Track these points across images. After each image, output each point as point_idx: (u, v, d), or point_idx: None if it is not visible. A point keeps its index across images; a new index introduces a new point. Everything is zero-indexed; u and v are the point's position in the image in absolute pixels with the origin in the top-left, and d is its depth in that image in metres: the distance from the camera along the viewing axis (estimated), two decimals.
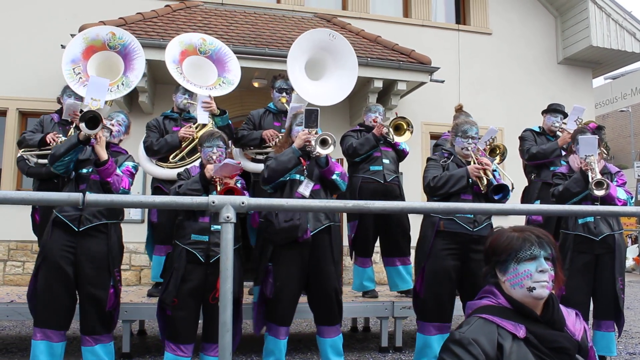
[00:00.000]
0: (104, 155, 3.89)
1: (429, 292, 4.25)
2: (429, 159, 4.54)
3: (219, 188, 3.91)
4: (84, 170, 4.02)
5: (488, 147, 5.73)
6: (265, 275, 4.22)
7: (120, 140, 4.45)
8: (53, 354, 3.88)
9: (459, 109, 5.91)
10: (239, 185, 4.05)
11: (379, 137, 5.33)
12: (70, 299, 3.96)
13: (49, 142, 5.02)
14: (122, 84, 4.97)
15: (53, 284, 3.87)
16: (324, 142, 4.04)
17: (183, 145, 5.13)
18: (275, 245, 4.17)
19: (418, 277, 4.34)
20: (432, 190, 4.24)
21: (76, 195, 2.21)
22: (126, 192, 4.07)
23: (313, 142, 4.05)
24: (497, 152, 5.82)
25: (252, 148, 5.45)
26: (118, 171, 4.00)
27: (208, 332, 4.09)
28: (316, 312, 4.34)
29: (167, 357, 4.02)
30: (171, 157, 5.17)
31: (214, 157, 4.10)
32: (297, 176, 4.22)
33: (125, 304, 4.68)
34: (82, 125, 3.70)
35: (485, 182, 4.12)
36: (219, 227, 3.89)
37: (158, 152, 5.15)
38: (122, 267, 8.76)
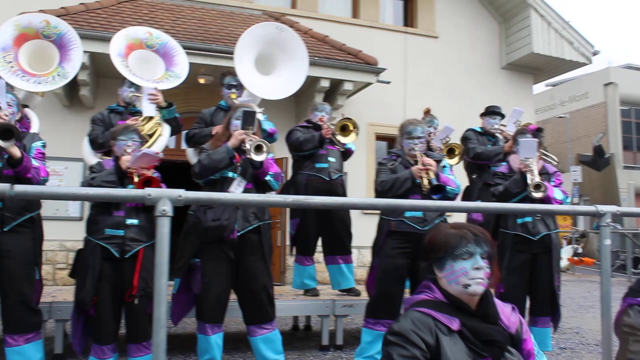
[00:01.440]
0: (17, 153, 3.63)
1: (380, 290, 4.34)
2: (378, 164, 4.61)
3: (135, 179, 3.80)
4: None
5: (445, 146, 5.82)
6: (193, 270, 4.17)
7: (17, 120, 4.16)
8: None
9: (427, 112, 5.97)
10: (157, 178, 3.91)
11: (325, 138, 5.32)
12: None
13: None
14: (58, 75, 4.79)
15: None
16: (258, 148, 3.99)
17: None
18: (202, 242, 4.11)
19: (369, 275, 4.40)
20: (381, 194, 4.32)
21: (3, 186, 2.10)
22: (46, 179, 3.89)
23: (248, 145, 4.00)
24: (456, 152, 5.90)
25: (204, 146, 5.34)
26: (34, 162, 3.80)
27: (132, 332, 3.90)
28: (246, 311, 4.25)
29: None
30: None
31: (129, 151, 3.97)
32: (230, 174, 4.14)
33: (58, 303, 4.53)
34: (0, 142, 3.46)
35: (426, 182, 4.19)
36: (135, 221, 3.86)
37: (103, 145, 5.00)
38: (59, 265, 8.55)
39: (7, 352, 3.78)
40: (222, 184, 4.13)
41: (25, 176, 3.69)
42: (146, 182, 3.70)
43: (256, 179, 4.19)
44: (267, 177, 4.17)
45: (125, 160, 3.89)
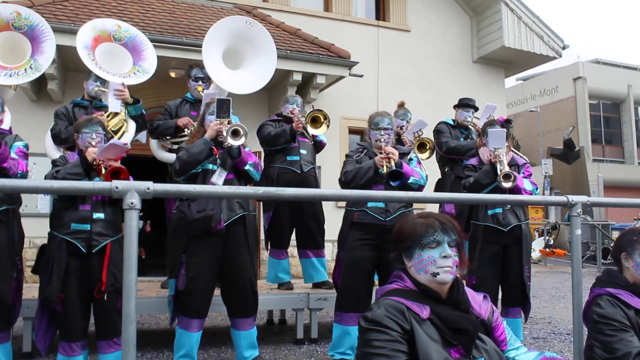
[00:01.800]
0: None
1: (346, 283, 4.32)
2: (346, 156, 4.62)
3: (103, 171, 3.72)
4: None
5: (417, 139, 5.82)
6: (178, 267, 4.10)
7: (1, 121, 4.15)
8: None
9: (401, 105, 5.96)
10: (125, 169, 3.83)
11: (296, 131, 5.29)
12: None
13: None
14: (31, 68, 4.69)
15: None
16: (235, 133, 3.96)
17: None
18: (189, 236, 4.06)
19: (335, 268, 4.38)
20: (345, 184, 4.32)
21: None
22: (24, 175, 3.81)
23: (225, 133, 3.97)
24: (427, 147, 5.90)
25: (168, 138, 5.30)
26: (13, 154, 3.72)
27: (101, 329, 3.82)
28: (230, 304, 4.25)
29: None
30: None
31: (93, 143, 3.87)
32: (210, 166, 4.12)
33: (27, 300, 4.41)
34: None
35: (386, 170, 4.18)
36: (101, 215, 3.79)
37: (66, 140, 4.90)
38: (29, 263, 8.37)
39: None
40: (204, 177, 4.11)
41: (2, 165, 3.61)
42: (114, 174, 3.62)
43: (236, 170, 4.16)
44: (247, 167, 4.15)
45: (92, 152, 3.79)
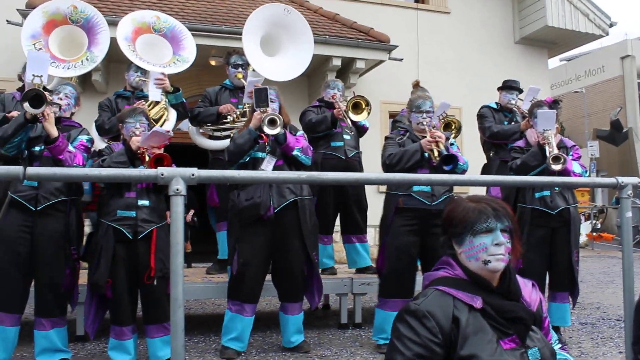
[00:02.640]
0: (53, 132, 3.70)
1: (389, 269, 4.31)
2: (386, 138, 4.60)
3: (147, 159, 3.82)
4: (36, 148, 3.83)
5: (442, 121, 5.73)
6: (232, 253, 4.22)
7: (72, 114, 4.28)
8: (5, 339, 3.75)
9: (416, 85, 5.89)
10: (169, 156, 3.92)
11: (337, 118, 5.27)
12: (25, 281, 3.83)
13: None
14: (87, 59, 4.83)
15: (6, 266, 3.72)
16: (272, 122, 4.01)
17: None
18: (240, 224, 4.16)
19: (379, 254, 4.37)
20: (389, 167, 4.28)
21: (16, 169, 2.10)
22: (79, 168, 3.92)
23: (262, 122, 4.02)
24: (453, 126, 5.82)
25: (208, 125, 5.35)
26: (71, 147, 3.84)
27: (149, 314, 3.95)
28: (281, 288, 4.36)
29: (113, 344, 3.92)
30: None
31: (137, 133, 3.99)
32: (260, 154, 4.20)
33: (79, 286, 4.54)
34: (26, 105, 3.49)
35: (436, 154, 4.14)
36: (146, 202, 3.90)
37: (109, 131, 5.02)
38: None
39: (36, 334, 3.86)
40: (254, 165, 4.19)
41: (58, 157, 3.73)
42: (158, 161, 3.71)
43: (285, 156, 4.22)
44: (294, 153, 4.20)
45: (136, 141, 3.91)
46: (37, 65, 3.68)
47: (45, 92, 3.59)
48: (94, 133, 5.17)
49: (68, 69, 4.70)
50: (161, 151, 3.90)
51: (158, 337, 3.93)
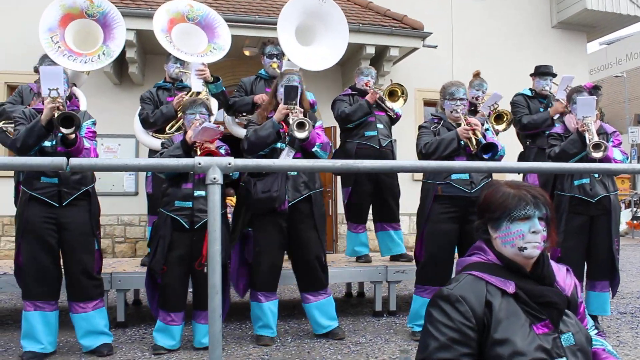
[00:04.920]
0: (72, 135, 3.73)
1: (428, 256, 4.33)
2: (420, 127, 4.57)
3: (199, 153, 3.92)
4: (47, 144, 3.84)
5: (493, 112, 5.66)
6: (245, 239, 4.31)
7: (72, 98, 4.34)
8: (48, 323, 3.88)
9: (476, 75, 5.81)
10: (222, 151, 4.06)
11: (372, 103, 5.27)
12: (57, 269, 3.95)
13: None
14: (103, 54, 4.91)
15: (38, 256, 3.84)
16: (301, 126, 4.04)
17: (179, 115, 5.05)
18: (253, 213, 4.24)
19: (418, 242, 4.38)
20: (425, 157, 4.27)
21: (60, 160, 2.17)
22: None
23: (291, 121, 4.05)
24: (505, 119, 5.70)
25: (244, 115, 5.40)
26: (86, 144, 3.90)
27: (198, 300, 4.11)
28: (299, 279, 4.42)
29: (159, 326, 4.08)
30: (167, 127, 5.13)
31: (197, 124, 4.07)
32: (279, 144, 4.23)
33: (118, 274, 4.67)
34: (62, 129, 3.54)
35: (474, 142, 4.11)
36: (202, 192, 4.00)
37: (154, 124, 5.13)
38: (118, 239, 8.85)
39: (74, 318, 3.98)
40: (272, 155, 4.22)
41: (78, 157, 3.79)
42: (207, 156, 3.78)
43: (304, 149, 4.25)
44: (315, 149, 4.24)
45: (190, 135, 4.02)
46: (51, 79, 3.73)
47: (74, 114, 3.60)
48: (138, 126, 5.27)
49: (85, 62, 4.80)
50: (213, 147, 4.01)
51: (204, 324, 4.05)
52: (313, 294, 4.36)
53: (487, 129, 4.36)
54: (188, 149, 4.01)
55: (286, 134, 4.19)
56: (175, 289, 4.04)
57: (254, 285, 4.29)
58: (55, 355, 3.96)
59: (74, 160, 2.19)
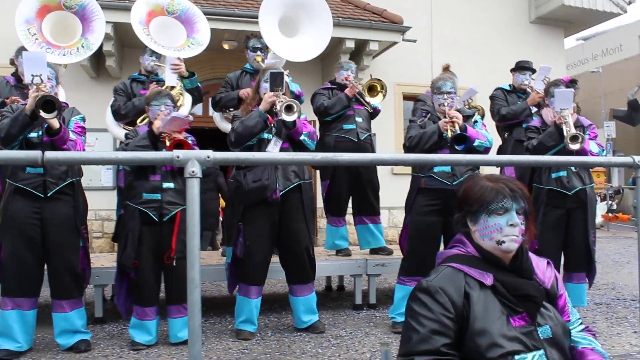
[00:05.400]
0: (55, 124, 3.71)
1: (412, 248, 4.36)
2: (409, 121, 4.62)
3: (167, 143, 3.86)
4: (34, 135, 3.80)
5: (467, 107, 5.70)
6: (236, 235, 4.23)
7: (56, 93, 4.27)
8: (25, 322, 3.82)
9: (446, 69, 5.85)
10: (189, 142, 3.99)
11: (351, 97, 5.28)
12: (39, 266, 3.88)
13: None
14: (82, 47, 4.84)
15: (19, 252, 3.78)
16: (289, 109, 4.01)
17: None
18: (245, 205, 4.18)
19: (402, 233, 4.43)
20: (409, 150, 4.31)
21: (34, 153, 2.13)
22: None
23: (279, 106, 4.02)
24: (477, 113, 5.76)
25: (231, 110, 5.38)
26: (72, 136, 3.86)
27: (170, 294, 4.05)
28: (288, 271, 4.39)
29: (134, 322, 4.03)
30: (139, 120, 5.07)
31: (162, 116, 4.03)
32: (266, 135, 4.20)
33: (97, 269, 4.62)
34: (42, 114, 3.49)
35: (451, 134, 4.13)
36: (171, 184, 3.98)
37: (126, 116, 5.06)
38: (95, 234, 8.73)
39: (54, 317, 3.93)
40: (259, 147, 4.19)
41: (62, 147, 3.75)
42: (177, 146, 3.75)
43: (291, 139, 4.23)
44: (302, 137, 4.21)
45: (157, 125, 3.96)
46: (34, 65, 3.68)
47: (55, 97, 3.59)
48: (110, 118, 5.20)
49: (64, 55, 4.72)
50: (182, 136, 3.95)
51: (179, 318, 4.03)
52: (301, 287, 4.34)
53: (476, 121, 4.39)
54: (155, 140, 3.96)
55: (272, 125, 4.15)
56: (149, 283, 3.98)
57: (244, 279, 4.22)
58: (31, 352, 3.91)
59: (49, 154, 2.15)
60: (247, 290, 4.20)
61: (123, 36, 8.10)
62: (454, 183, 4.17)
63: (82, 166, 4.11)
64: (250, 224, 4.18)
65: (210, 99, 5.62)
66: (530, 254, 2.04)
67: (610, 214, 15.02)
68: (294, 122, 4.10)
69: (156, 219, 3.93)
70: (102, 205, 8.53)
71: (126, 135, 4.27)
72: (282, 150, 4.18)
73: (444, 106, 4.29)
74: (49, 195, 3.81)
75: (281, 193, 4.15)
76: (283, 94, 4.13)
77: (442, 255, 2.05)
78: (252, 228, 4.17)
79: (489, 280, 1.86)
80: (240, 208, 4.22)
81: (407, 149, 4.32)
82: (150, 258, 3.96)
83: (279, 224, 4.24)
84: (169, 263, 3.95)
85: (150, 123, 4.10)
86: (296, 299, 4.36)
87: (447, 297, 1.81)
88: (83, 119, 4.12)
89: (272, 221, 4.20)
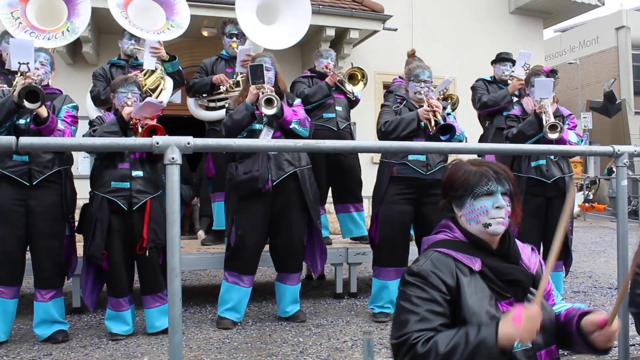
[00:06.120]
0: (43, 113, 3.64)
1: (383, 238, 4.33)
2: (382, 106, 4.58)
3: (140, 129, 3.78)
4: (21, 122, 3.74)
5: (441, 97, 5.71)
6: (230, 225, 4.24)
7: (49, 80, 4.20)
8: (5, 312, 3.76)
9: (412, 55, 5.85)
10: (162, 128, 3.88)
11: (332, 85, 5.25)
12: (22, 254, 3.81)
13: None
14: (68, 30, 4.74)
15: (4, 240, 3.70)
16: (269, 102, 3.98)
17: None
18: (238, 196, 4.16)
19: (373, 223, 4.38)
20: (384, 135, 4.27)
21: (8, 139, 2.07)
22: None
23: (259, 100, 3.99)
24: (450, 101, 5.80)
25: (204, 96, 5.31)
26: (60, 125, 3.78)
27: (145, 284, 3.99)
28: (280, 258, 4.36)
29: (110, 314, 3.96)
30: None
31: (129, 103, 3.94)
32: (257, 126, 4.18)
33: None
34: (27, 104, 3.42)
35: (433, 123, 4.13)
36: (140, 172, 3.89)
37: (105, 101, 4.95)
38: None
39: (35, 306, 3.86)
40: (251, 137, 4.16)
41: (49, 137, 3.66)
42: (151, 132, 3.67)
43: (282, 128, 4.20)
44: (292, 126, 4.17)
45: (128, 111, 3.87)
46: (22, 52, 3.60)
47: (40, 87, 3.51)
48: (90, 104, 5.11)
49: (49, 39, 4.61)
50: (154, 122, 3.86)
51: (155, 307, 3.97)
52: (291, 275, 4.33)
53: (449, 113, 4.39)
54: (125, 126, 3.87)
55: (262, 114, 4.12)
56: (121, 273, 3.89)
57: (236, 268, 4.19)
58: (7, 344, 3.83)
59: (24, 139, 2.10)
60: (238, 279, 4.18)
61: (100, 22, 7.94)
62: (427, 173, 4.17)
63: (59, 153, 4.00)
64: (243, 214, 4.16)
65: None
66: (516, 240, 2.05)
67: (586, 204, 15.23)
68: (282, 112, 4.07)
69: (125, 209, 3.84)
70: (79, 194, 8.38)
71: (92, 123, 4.12)
72: (274, 139, 4.12)
73: (420, 94, 4.28)
74: (34, 183, 3.73)
75: (274, 183, 4.11)
76: (274, 86, 4.14)
77: (427, 241, 2.03)
78: (244, 218, 4.15)
79: (477, 265, 1.86)
80: (235, 199, 4.21)
81: (383, 134, 4.27)
82: (120, 248, 3.87)
83: (274, 214, 4.21)
84: (141, 253, 3.87)
85: (117, 110, 3.99)
86: (285, 287, 4.34)
87: (439, 279, 1.80)
88: (75, 108, 4.04)
89: (265, 211, 4.17)
